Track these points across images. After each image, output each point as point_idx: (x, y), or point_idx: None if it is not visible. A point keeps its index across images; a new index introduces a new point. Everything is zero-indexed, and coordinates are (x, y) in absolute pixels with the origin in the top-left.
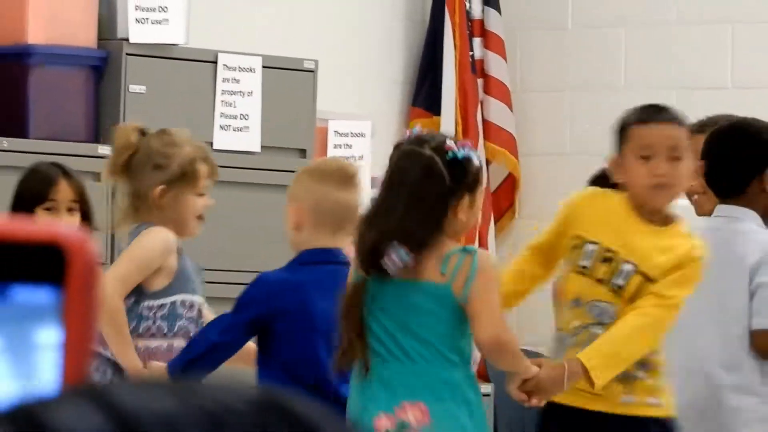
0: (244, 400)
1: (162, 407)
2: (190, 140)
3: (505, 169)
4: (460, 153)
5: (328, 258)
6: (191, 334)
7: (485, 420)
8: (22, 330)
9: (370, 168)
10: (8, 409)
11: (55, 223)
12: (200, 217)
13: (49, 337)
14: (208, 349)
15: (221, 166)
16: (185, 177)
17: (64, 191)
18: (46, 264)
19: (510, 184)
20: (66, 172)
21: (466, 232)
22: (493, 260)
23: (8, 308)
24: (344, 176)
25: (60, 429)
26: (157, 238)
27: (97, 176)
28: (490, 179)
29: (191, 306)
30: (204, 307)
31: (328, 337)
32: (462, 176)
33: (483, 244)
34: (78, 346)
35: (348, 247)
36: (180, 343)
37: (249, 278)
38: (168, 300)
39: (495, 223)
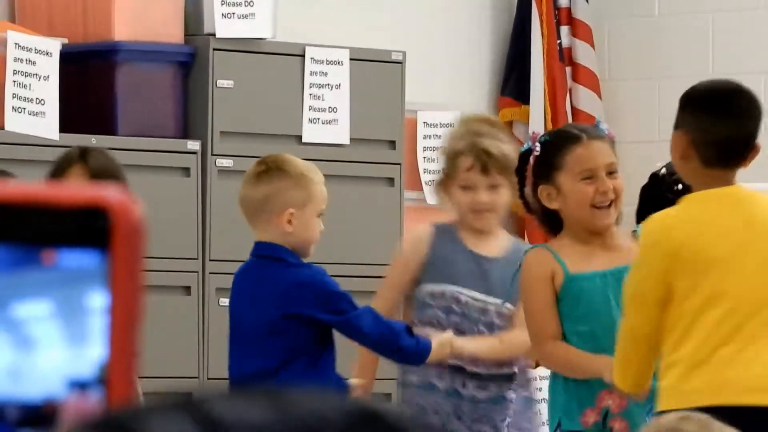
0: (339, 410)
1: (258, 418)
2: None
3: None
4: (523, 147)
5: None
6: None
7: None
8: (70, 294)
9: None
10: (101, 417)
11: (100, 188)
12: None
13: (96, 301)
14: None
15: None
16: None
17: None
18: (91, 228)
19: None
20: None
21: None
22: None
23: (55, 273)
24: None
25: None
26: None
27: (186, 171)
28: None
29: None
30: None
31: None
32: (526, 168)
33: None
34: (125, 309)
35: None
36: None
37: (340, 270)
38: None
39: None
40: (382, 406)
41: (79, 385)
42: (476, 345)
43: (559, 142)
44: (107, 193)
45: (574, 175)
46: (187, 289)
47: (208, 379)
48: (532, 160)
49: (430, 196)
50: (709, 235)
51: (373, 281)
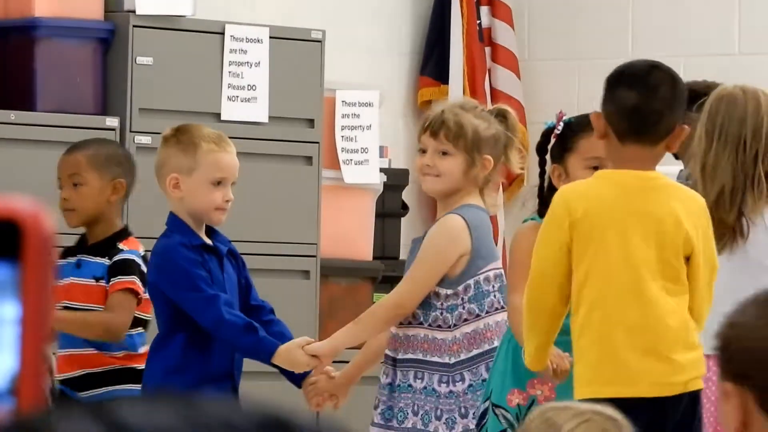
0: (247, 417)
1: (164, 424)
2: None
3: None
4: (547, 123)
5: None
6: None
7: None
8: None
9: (378, 137)
10: (8, 422)
11: (11, 199)
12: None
13: (6, 312)
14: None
15: (230, 138)
16: None
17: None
18: (2, 240)
19: None
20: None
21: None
22: None
23: None
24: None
25: None
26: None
27: None
28: None
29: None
30: None
31: None
32: (545, 145)
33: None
34: (36, 321)
35: None
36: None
37: (256, 248)
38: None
39: (503, 191)
40: (292, 414)
41: None
42: (332, 339)
43: (578, 126)
44: (18, 205)
45: (582, 160)
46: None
47: None
48: (553, 138)
49: (348, 175)
50: (605, 214)
51: (290, 260)
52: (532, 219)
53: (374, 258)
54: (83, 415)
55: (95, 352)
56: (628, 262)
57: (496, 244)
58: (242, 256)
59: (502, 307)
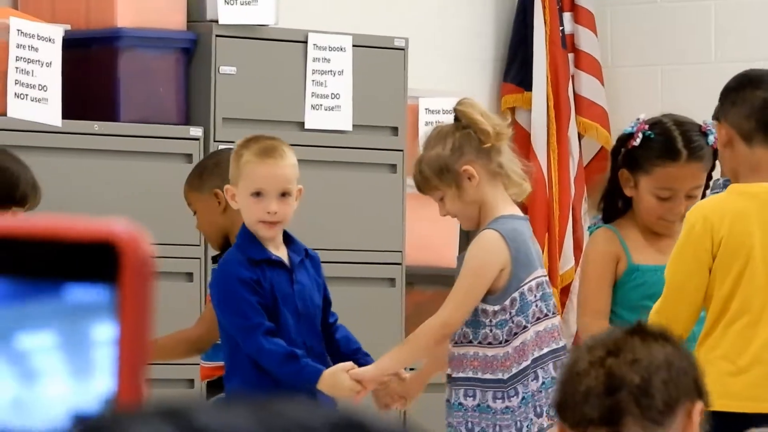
0: (324, 420)
1: (242, 428)
2: None
3: (598, 143)
4: (627, 130)
5: None
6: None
7: None
8: (79, 328)
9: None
10: (85, 425)
11: (109, 222)
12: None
13: (104, 334)
14: None
15: (313, 146)
16: None
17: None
18: (100, 262)
19: (603, 157)
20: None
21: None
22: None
23: (64, 306)
24: None
25: None
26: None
27: (188, 158)
28: (582, 153)
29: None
30: None
31: None
32: (620, 150)
33: (576, 217)
34: (134, 344)
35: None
36: None
37: (340, 256)
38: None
39: (588, 197)
40: (368, 416)
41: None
42: (378, 364)
43: (658, 148)
44: (116, 228)
45: (654, 186)
46: (190, 276)
47: None
48: (629, 147)
49: None
50: (748, 230)
51: (375, 267)
52: (597, 227)
53: (459, 265)
54: (159, 418)
55: (209, 363)
56: None
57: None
58: (327, 264)
59: (545, 316)
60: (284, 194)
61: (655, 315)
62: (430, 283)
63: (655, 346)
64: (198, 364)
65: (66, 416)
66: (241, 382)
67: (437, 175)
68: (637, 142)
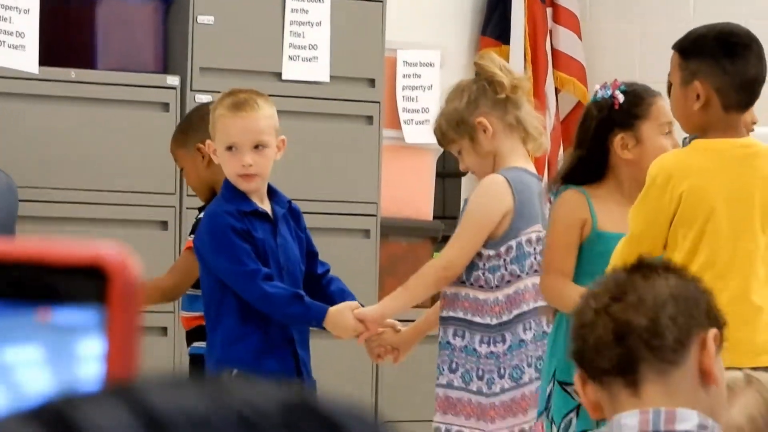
0: (275, 400)
1: (192, 407)
2: None
3: (575, 97)
4: (599, 94)
5: None
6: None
7: None
8: (67, 349)
9: (439, 98)
10: (37, 406)
11: (96, 245)
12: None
13: (92, 355)
14: None
15: (290, 97)
16: None
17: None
18: (87, 285)
19: (579, 112)
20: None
21: (632, 169)
22: None
23: (52, 329)
24: None
25: (88, 428)
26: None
27: (165, 106)
28: (559, 108)
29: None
30: None
31: None
32: (605, 115)
33: (552, 171)
34: (121, 364)
35: None
36: None
37: (316, 207)
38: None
39: (564, 151)
40: (322, 400)
41: None
42: (380, 305)
43: (642, 90)
44: (104, 251)
45: (657, 123)
46: (164, 224)
47: None
48: (615, 108)
49: (409, 135)
50: (710, 186)
51: (350, 219)
52: (565, 188)
53: (434, 218)
54: (112, 398)
55: (189, 313)
56: (736, 232)
57: None
58: (303, 215)
59: None
60: (258, 146)
61: (614, 258)
62: (405, 235)
63: (658, 282)
64: (171, 312)
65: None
66: (225, 334)
67: (453, 129)
68: (621, 98)
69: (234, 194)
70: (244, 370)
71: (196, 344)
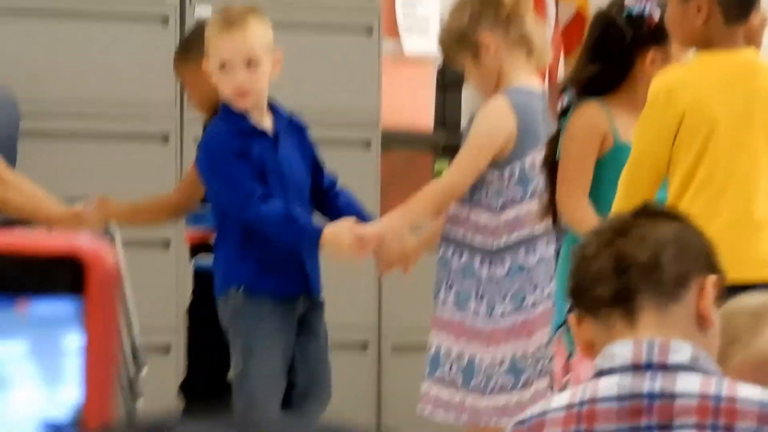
0: None
1: None
2: None
3: (574, 6)
4: (635, 9)
5: None
6: None
7: None
8: (47, 338)
9: (439, 7)
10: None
11: (73, 237)
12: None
13: (72, 344)
14: None
15: (289, 8)
16: None
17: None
18: (66, 276)
19: (579, 19)
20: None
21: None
22: None
23: (33, 318)
24: None
25: None
26: None
27: (164, 20)
28: (558, 16)
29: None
30: None
31: None
32: (640, 31)
33: (552, 80)
34: (100, 353)
35: None
36: None
37: (317, 119)
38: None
39: (565, 59)
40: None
41: (55, 428)
42: (380, 223)
43: None
44: (81, 242)
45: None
46: (165, 138)
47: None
48: (651, 23)
49: (409, 45)
50: (713, 100)
51: (351, 130)
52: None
53: (435, 128)
54: None
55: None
56: (737, 147)
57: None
58: None
59: None
60: (251, 64)
61: (623, 178)
62: (405, 145)
63: (663, 224)
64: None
65: (36, 424)
66: (231, 251)
67: (456, 44)
68: (657, 15)
69: (231, 113)
70: (249, 287)
71: (200, 259)
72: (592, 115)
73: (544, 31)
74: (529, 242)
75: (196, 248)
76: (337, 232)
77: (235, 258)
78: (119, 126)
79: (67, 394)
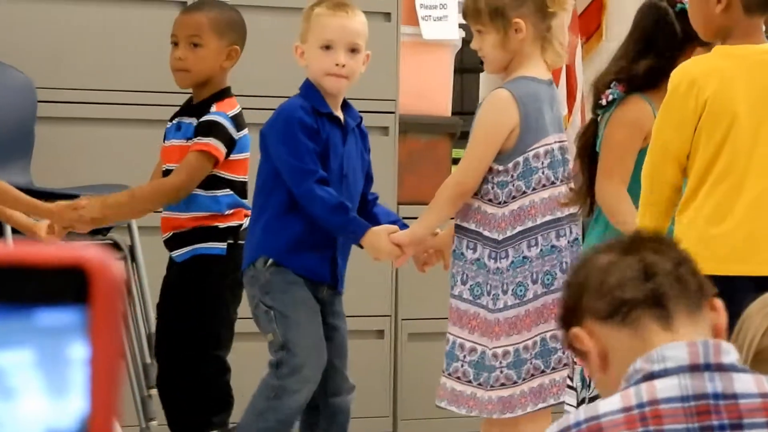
0: None
1: None
2: None
3: None
4: (687, 4)
5: None
6: None
7: None
8: (53, 348)
9: None
10: None
11: (79, 247)
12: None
13: (78, 354)
14: None
15: None
16: None
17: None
18: (71, 286)
19: (597, 5)
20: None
21: None
22: None
23: (38, 328)
24: None
25: None
26: None
27: (181, 4)
28: (577, 1)
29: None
30: None
31: None
32: (688, 27)
33: (570, 65)
34: (105, 363)
35: None
36: None
37: None
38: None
39: (582, 45)
40: None
41: None
42: (411, 230)
43: None
44: (86, 252)
45: None
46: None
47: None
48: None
49: (427, 31)
50: (734, 92)
51: (369, 115)
52: (626, 94)
53: (453, 114)
54: None
55: (182, 214)
56: (756, 138)
57: (574, 100)
58: None
59: (552, 184)
60: (353, 50)
61: (645, 170)
62: (423, 131)
63: (670, 246)
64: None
65: None
66: (269, 223)
67: (490, 14)
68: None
69: (314, 94)
70: (277, 261)
71: (203, 245)
72: (638, 110)
73: (565, 33)
74: (533, 233)
75: (199, 233)
76: (379, 234)
77: (270, 230)
78: (137, 111)
79: (73, 404)
